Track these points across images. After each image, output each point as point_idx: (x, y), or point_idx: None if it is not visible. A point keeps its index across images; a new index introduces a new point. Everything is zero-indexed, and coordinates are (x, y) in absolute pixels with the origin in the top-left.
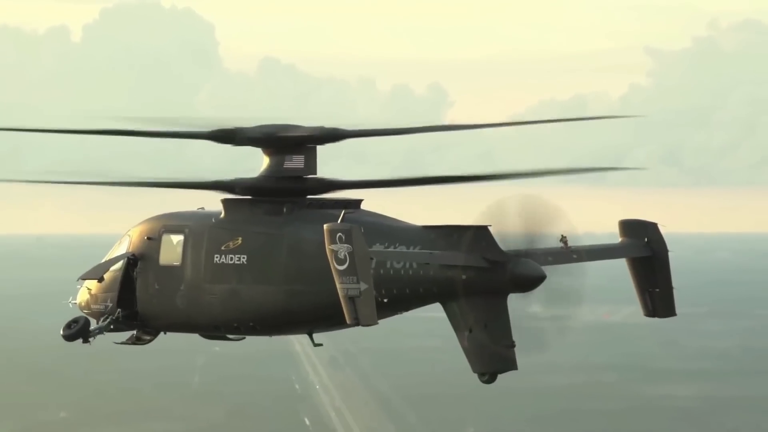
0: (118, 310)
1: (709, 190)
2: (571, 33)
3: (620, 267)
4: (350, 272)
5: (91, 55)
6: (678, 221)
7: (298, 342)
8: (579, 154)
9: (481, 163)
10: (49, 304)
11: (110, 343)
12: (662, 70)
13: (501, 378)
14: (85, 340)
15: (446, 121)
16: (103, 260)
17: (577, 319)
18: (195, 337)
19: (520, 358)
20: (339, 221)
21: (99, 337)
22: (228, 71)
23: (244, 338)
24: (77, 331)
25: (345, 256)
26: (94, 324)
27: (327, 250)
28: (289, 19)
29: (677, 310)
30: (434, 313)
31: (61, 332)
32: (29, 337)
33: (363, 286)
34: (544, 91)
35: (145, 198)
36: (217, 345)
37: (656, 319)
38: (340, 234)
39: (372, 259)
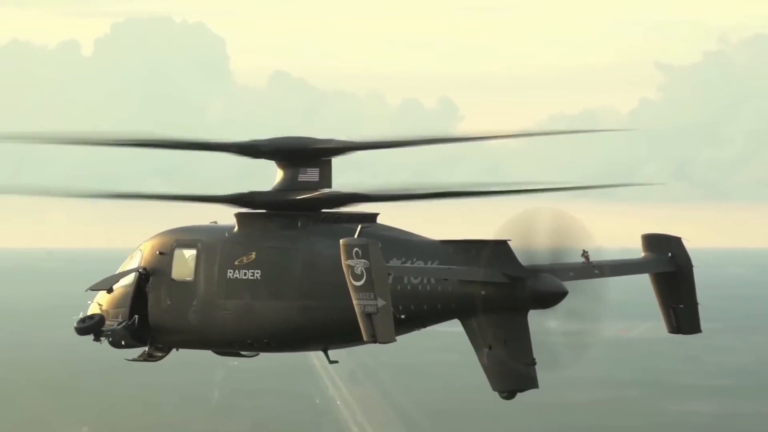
0: (135, 317)
1: (720, 204)
2: (580, 48)
3: (636, 281)
4: (367, 288)
5: (101, 69)
6: (688, 236)
7: (316, 356)
8: (588, 169)
9: (490, 177)
10: (61, 317)
11: (126, 357)
12: (672, 85)
13: (523, 394)
14: (96, 338)
15: (458, 131)
16: (114, 273)
17: (597, 335)
18: (211, 352)
19: (540, 373)
20: (356, 236)
21: (115, 351)
22: (238, 85)
23: (258, 355)
24: (91, 326)
25: (362, 271)
26: (108, 325)
27: (343, 266)
28: (299, 34)
29: None
30: (451, 328)
31: (74, 325)
32: (44, 350)
33: (380, 302)
34: (554, 105)
35: (154, 212)
36: (235, 359)
37: (675, 335)
38: (356, 249)
39: (389, 274)
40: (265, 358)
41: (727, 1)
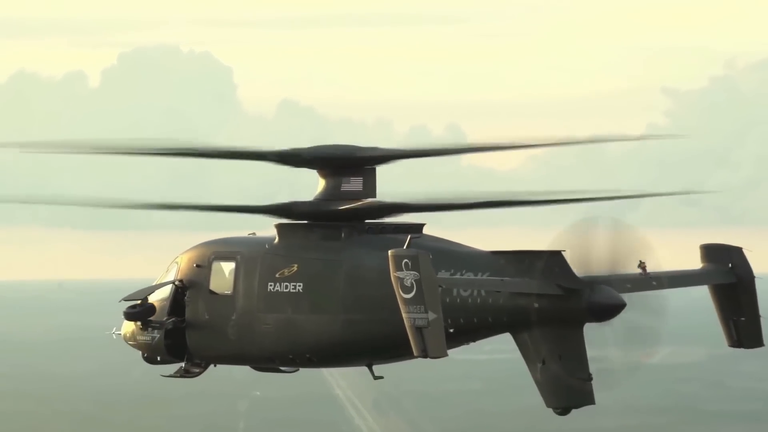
0: (175, 318)
1: (730, 229)
2: (587, 74)
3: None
4: (417, 301)
5: (109, 99)
6: (698, 261)
7: (339, 387)
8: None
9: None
10: (78, 349)
11: (152, 388)
12: (680, 110)
13: (551, 421)
14: (143, 326)
15: (465, 163)
16: (150, 285)
17: (655, 351)
18: (233, 382)
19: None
20: (405, 246)
21: (138, 383)
22: (246, 114)
23: (298, 370)
24: (138, 313)
25: (411, 283)
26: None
27: (392, 278)
28: (306, 63)
29: (715, 350)
30: (472, 355)
31: (124, 309)
32: (67, 382)
33: (431, 315)
34: (562, 131)
35: (164, 241)
36: (258, 389)
37: (699, 360)
38: (406, 260)
39: (441, 287)
40: (285, 387)
41: (733, 26)
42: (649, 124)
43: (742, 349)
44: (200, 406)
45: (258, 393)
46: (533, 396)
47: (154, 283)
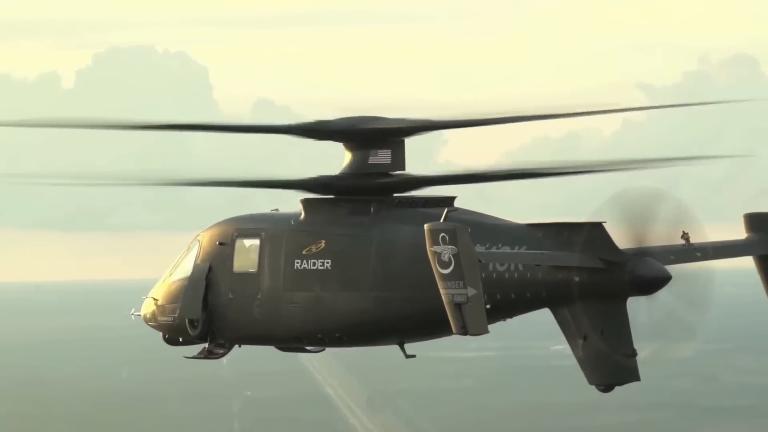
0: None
1: (708, 224)
2: (562, 70)
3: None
4: (456, 276)
5: (84, 100)
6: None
7: (330, 386)
8: (574, 192)
9: (481, 201)
10: (64, 351)
11: (143, 389)
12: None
13: (547, 418)
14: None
15: (441, 160)
16: (171, 268)
17: (703, 324)
18: (224, 382)
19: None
20: (442, 219)
21: (141, 384)
22: (222, 114)
23: (324, 350)
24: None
25: (449, 258)
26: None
27: (428, 252)
28: (282, 62)
29: (707, 345)
30: (461, 353)
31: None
32: (60, 385)
33: (471, 291)
34: (537, 128)
35: (140, 242)
36: (248, 389)
37: (691, 354)
38: (443, 234)
39: (480, 261)
40: (277, 387)
41: (705, 23)
42: (624, 120)
43: (732, 344)
44: (194, 407)
45: (249, 393)
46: (527, 393)
47: (173, 266)
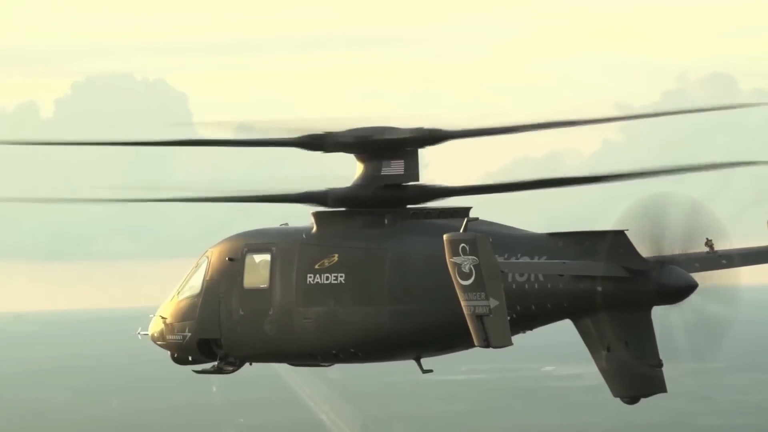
0: None
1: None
2: (537, 92)
3: None
4: (477, 287)
5: (63, 129)
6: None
7: (322, 411)
8: (555, 213)
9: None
10: (50, 380)
11: (134, 419)
12: (634, 125)
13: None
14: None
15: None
16: (179, 285)
17: (730, 331)
18: (216, 410)
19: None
20: (461, 230)
21: (132, 414)
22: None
23: (332, 365)
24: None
25: (470, 269)
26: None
27: (448, 263)
28: (262, 86)
29: (699, 364)
30: (452, 376)
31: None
32: (48, 415)
33: (493, 302)
34: (518, 149)
35: (118, 271)
36: (241, 416)
37: (675, 375)
38: (463, 245)
39: (502, 272)
40: (272, 415)
41: (682, 42)
42: (604, 140)
43: (725, 363)
44: None
45: (242, 420)
46: (519, 415)
47: (182, 283)
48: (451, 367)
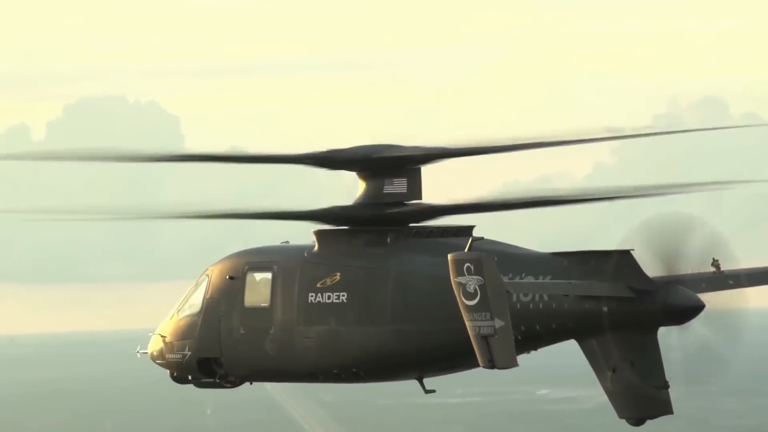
0: None
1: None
2: (528, 115)
3: None
4: (482, 308)
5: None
6: None
7: None
8: (546, 237)
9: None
10: (47, 403)
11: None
12: (625, 149)
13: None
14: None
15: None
16: (179, 304)
17: (737, 353)
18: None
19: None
20: (466, 249)
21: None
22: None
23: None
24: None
25: (475, 289)
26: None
27: (453, 283)
28: (253, 108)
29: (695, 388)
30: (446, 399)
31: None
32: None
33: (498, 323)
34: (508, 172)
35: (111, 294)
36: None
37: (679, 397)
38: (468, 264)
39: (508, 292)
40: None
41: (673, 67)
42: (596, 163)
43: (720, 386)
44: None
45: None
46: None
47: (181, 301)
48: (446, 390)
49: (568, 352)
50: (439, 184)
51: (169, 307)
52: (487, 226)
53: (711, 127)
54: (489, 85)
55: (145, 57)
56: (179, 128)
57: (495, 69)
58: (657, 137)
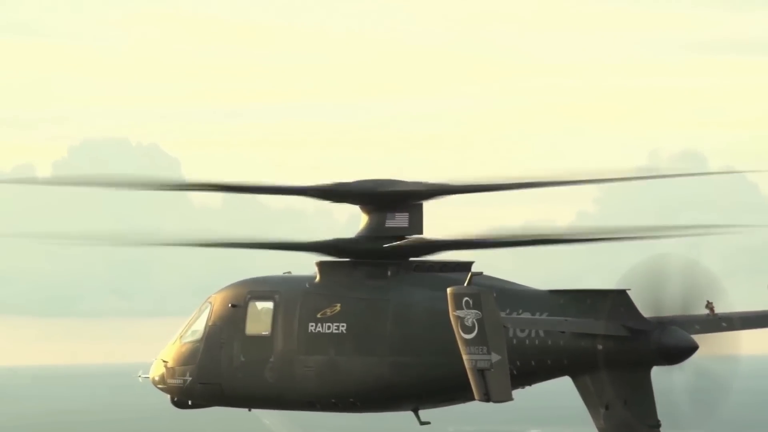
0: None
1: None
2: (515, 162)
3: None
4: (479, 342)
5: (60, 191)
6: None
7: None
8: (534, 279)
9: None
10: None
11: None
12: (607, 198)
13: None
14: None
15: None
16: (182, 330)
17: (728, 394)
18: None
19: None
20: (465, 283)
21: None
22: (194, 206)
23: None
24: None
25: (473, 323)
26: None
27: (451, 317)
28: (251, 153)
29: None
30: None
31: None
32: None
33: (495, 357)
34: (494, 219)
35: (109, 328)
36: None
37: None
38: (467, 299)
39: (505, 327)
40: None
41: (654, 120)
42: (578, 212)
43: (696, 430)
44: None
45: None
46: None
47: (184, 328)
48: (438, 428)
49: (560, 392)
50: (440, 220)
51: (167, 338)
52: (486, 263)
53: (689, 173)
54: (474, 135)
55: (148, 99)
56: (180, 170)
57: (480, 119)
58: (640, 184)
